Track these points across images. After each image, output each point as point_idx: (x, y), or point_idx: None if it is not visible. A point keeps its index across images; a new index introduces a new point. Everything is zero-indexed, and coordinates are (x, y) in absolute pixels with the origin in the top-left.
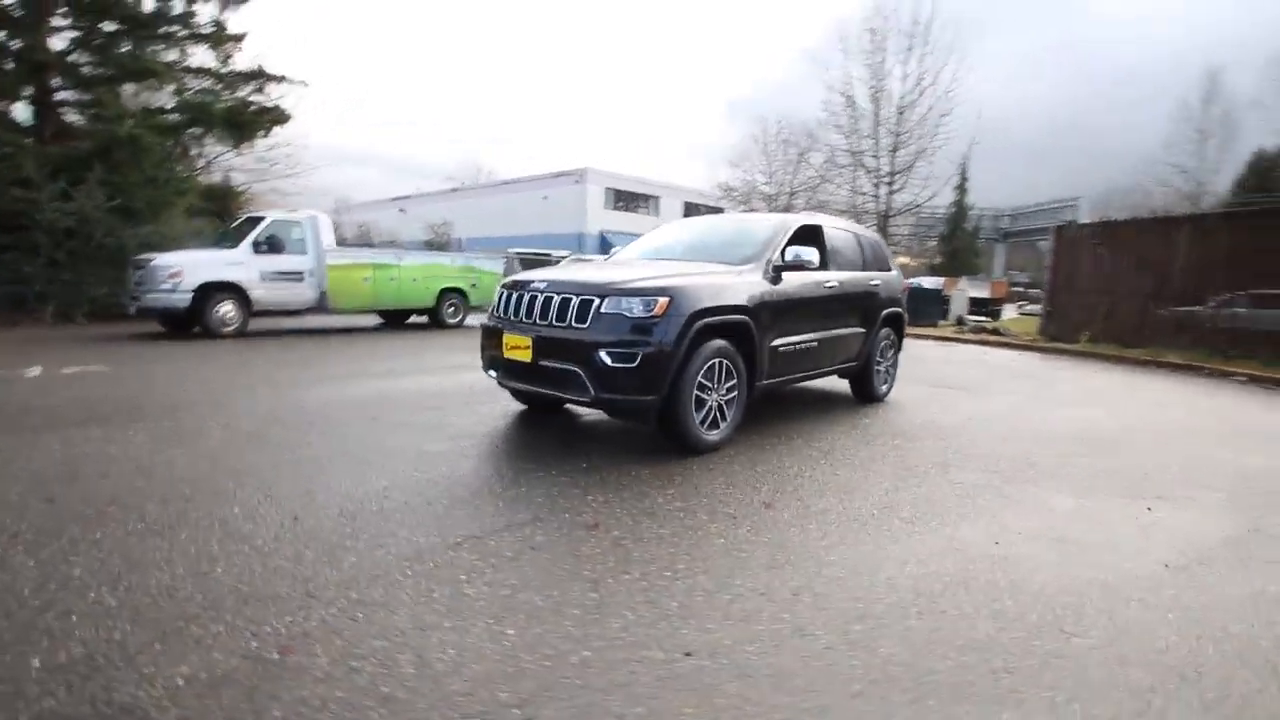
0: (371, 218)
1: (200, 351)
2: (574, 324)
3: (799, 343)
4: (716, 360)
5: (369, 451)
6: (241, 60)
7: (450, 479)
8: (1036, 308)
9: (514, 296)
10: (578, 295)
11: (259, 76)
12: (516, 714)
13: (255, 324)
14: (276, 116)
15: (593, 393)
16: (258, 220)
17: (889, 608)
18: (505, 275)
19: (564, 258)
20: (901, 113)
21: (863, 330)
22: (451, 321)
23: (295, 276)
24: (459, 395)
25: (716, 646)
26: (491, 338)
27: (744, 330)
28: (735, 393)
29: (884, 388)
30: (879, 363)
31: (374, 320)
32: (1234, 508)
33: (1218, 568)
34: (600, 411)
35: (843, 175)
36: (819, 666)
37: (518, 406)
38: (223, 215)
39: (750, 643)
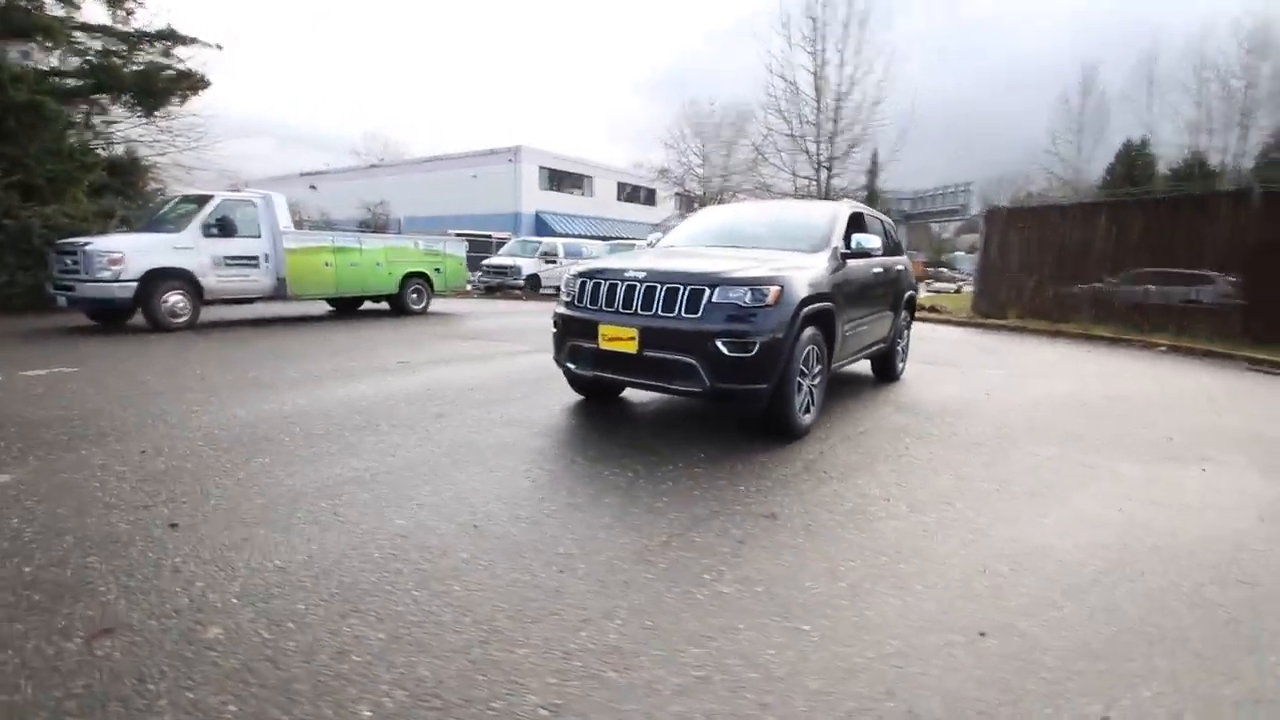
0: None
1: (162, 347)
2: (684, 314)
3: (857, 327)
4: (811, 346)
5: (472, 451)
6: (142, 18)
7: (590, 478)
8: (944, 285)
9: (602, 286)
10: (685, 285)
11: (168, 37)
12: (893, 705)
13: (203, 315)
14: (195, 82)
15: (708, 383)
16: (203, 200)
17: (1098, 574)
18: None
19: (505, 240)
20: (839, 101)
21: (891, 313)
22: (416, 308)
23: (250, 261)
24: (501, 386)
25: (994, 624)
26: (576, 329)
27: (829, 316)
28: (820, 377)
29: (901, 366)
30: (899, 343)
31: (323, 308)
32: (1264, 467)
33: None
34: (666, 397)
35: (782, 158)
36: (1095, 632)
37: (570, 397)
38: (129, 193)
39: (1020, 618)
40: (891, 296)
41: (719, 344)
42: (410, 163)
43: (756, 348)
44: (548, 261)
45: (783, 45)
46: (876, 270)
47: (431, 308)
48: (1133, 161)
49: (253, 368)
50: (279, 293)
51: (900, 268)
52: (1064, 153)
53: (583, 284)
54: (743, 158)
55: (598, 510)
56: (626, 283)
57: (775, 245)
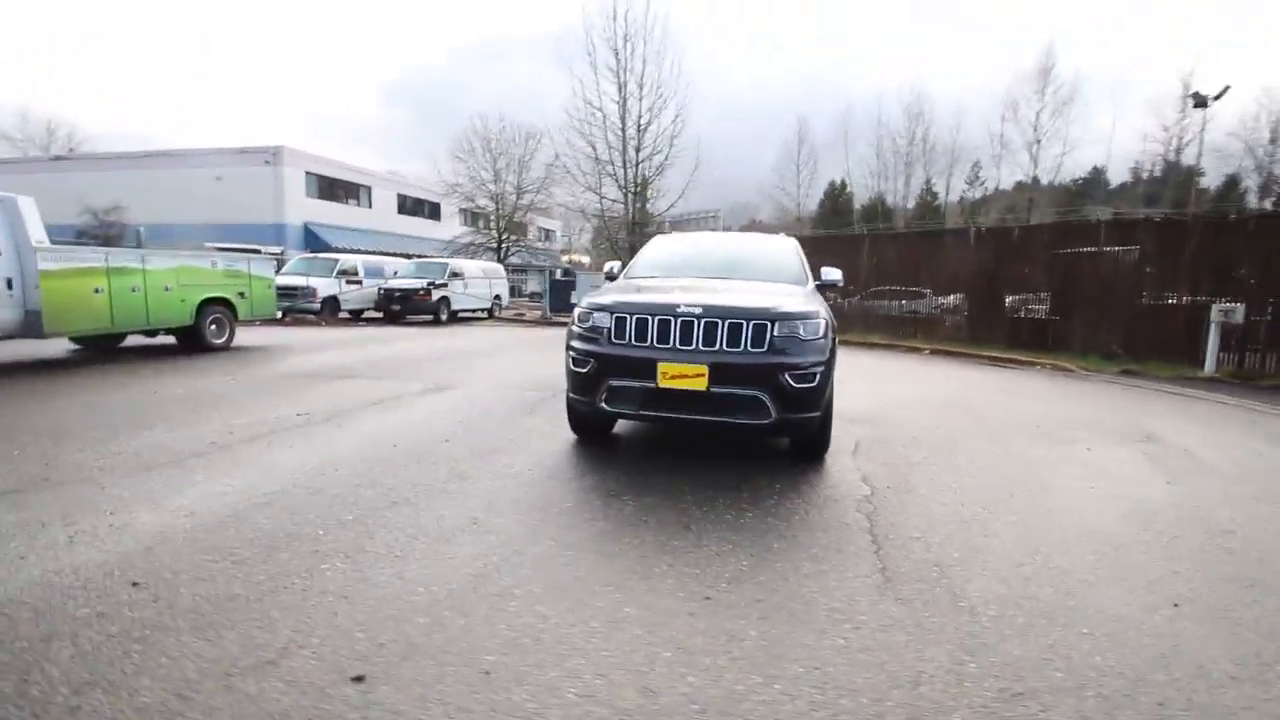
0: None
1: None
2: (750, 349)
3: None
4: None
5: (564, 516)
6: None
7: (720, 523)
8: None
9: (650, 322)
10: (748, 320)
11: None
12: (1207, 667)
13: None
14: None
15: (774, 415)
16: None
17: (1158, 543)
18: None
19: (280, 256)
20: (640, 131)
21: None
22: (217, 342)
23: None
24: (470, 434)
25: (1170, 596)
26: (622, 367)
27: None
28: None
29: None
30: None
31: (62, 347)
32: (1117, 442)
33: (1190, 474)
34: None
35: (587, 180)
36: (1231, 592)
37: (557, 439)
38: None
39: (1177, 586)
40: None
41: (787, 376)
42: (120, 157)
43: (817, 378)
44: (350, 282)
45: (587, 71)
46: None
47: (243, 341)
48: (836, 198)
49: (99, 438)
50: (29, 329)
51: None
52: (787, 188)
53: (620, 320)
54: (537, 175)
55: (774, 565)
56: (682, 318)
57: (763, 278)
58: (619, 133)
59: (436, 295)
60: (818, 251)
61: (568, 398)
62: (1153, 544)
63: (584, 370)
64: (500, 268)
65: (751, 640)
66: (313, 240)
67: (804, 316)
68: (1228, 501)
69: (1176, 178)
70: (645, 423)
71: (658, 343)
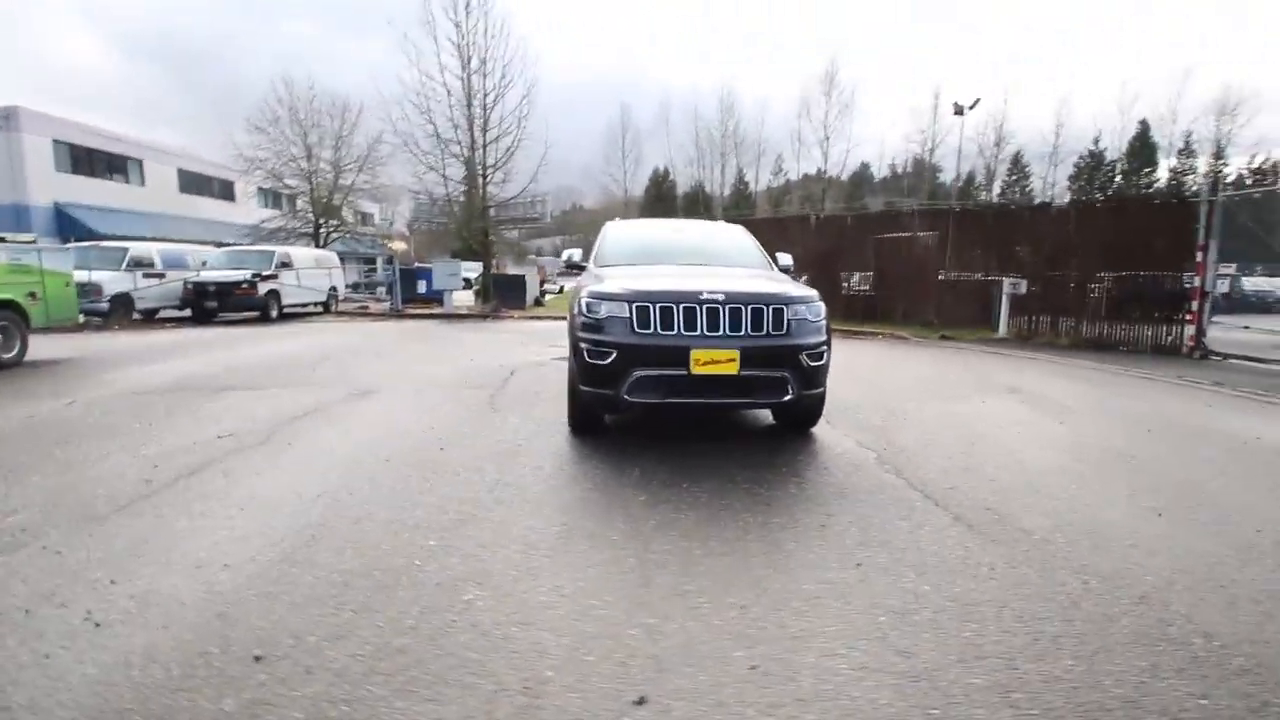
0: None
1: None
2: (772, 332)
3: None
4: None
5: (659, 511)
6: None
7: (798, 496)
8: (554, 287)
9: (675, 311)
10: (768, 305)
11: None
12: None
13: None
14: None
15: (793, 393)
16: None
17: (1102, 466)
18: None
19: (32, 245)
20: (487, 110)
21: None
22: (5, 356)
23: None
24: (462, 441)
25: (1149, 509)
26: (652, 357)
27: None
28: None
29: None
30: None
31: None
32: (991, 394)
33: (1066, 414)
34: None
35: (429, 160)
36: (1162, 486)
37: (558, 437)
38: None
39: (1144, 506)
40: None
41: (804, 356)
42: None
43: (824, 356)
44: (148, 275)
45: (426, 41)
46: None
47: (40, 354)
48: (661, 184)
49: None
50: None
51: None
52: (614, 174)
53: (642, 309)
54: (359, 153)
55: (894, 530)
56: (708, 305)
57: (736, 263)
58: (465, 110)
59: (264, 289)
60: None
61: (577, 391)
62: (1095, 471)
63: (604, 362)
64: (334, 256)
65: (934, 595)
66: (68, 225)
67: (808, 300)
68: (1109, 432)
69: (926, 173)
70: (625, 411)
71: (685, 330)
